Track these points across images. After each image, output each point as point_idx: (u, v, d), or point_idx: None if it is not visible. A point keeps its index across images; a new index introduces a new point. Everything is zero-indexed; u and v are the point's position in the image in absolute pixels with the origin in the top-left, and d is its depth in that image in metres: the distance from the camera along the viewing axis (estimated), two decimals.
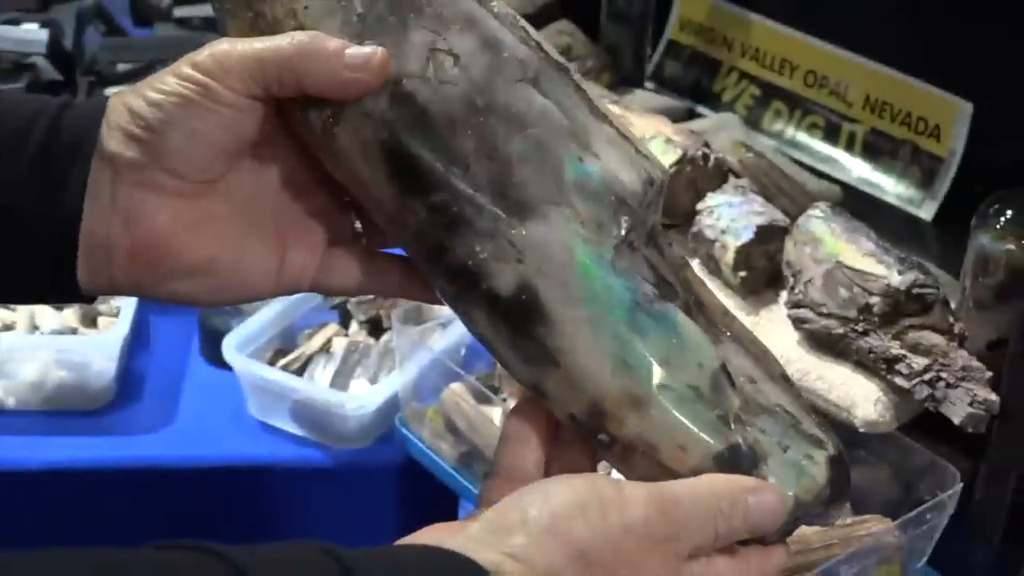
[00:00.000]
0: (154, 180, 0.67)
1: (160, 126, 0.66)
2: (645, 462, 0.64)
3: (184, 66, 0.66)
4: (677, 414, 0.62)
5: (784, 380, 0.70)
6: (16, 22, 1.82)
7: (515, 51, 0.64)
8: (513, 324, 0.63)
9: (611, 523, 0.61)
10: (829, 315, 1.25)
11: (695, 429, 0.62)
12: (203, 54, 0.66)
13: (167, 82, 0.66)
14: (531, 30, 0.67)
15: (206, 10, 1.80)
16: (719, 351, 0.65)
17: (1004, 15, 1.51)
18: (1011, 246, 1.23)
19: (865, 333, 1.23)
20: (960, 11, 1.56)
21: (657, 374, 0.62)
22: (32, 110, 0.69)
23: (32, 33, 1.74)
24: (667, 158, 1.40)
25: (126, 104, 0.67)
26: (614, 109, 1.51)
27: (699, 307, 0.68)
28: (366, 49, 0.63)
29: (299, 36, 0.64)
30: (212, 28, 1.80)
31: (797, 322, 1.28)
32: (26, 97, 0.72)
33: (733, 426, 0.63)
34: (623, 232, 0.63)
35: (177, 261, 0.69)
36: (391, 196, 0.65)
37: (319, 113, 0.65)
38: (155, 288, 0.71)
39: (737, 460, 0.63)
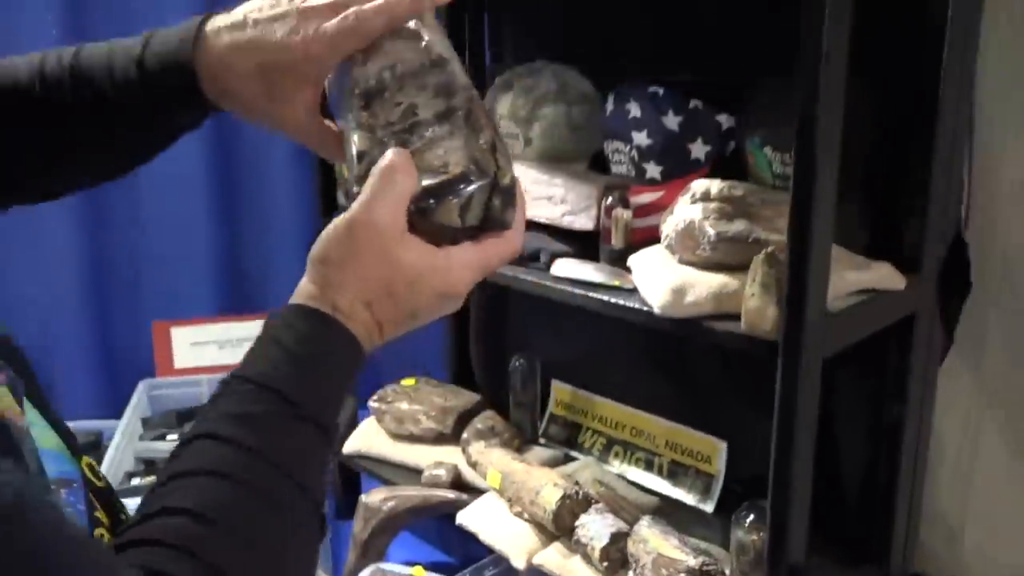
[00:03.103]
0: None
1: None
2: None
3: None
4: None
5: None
6: (163, 437, 1.80)
7: (432, 52, 0.65)
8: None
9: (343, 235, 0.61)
10: None
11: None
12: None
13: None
14: (443, 54, 0.67)
15: None
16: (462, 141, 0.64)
17: (742, 393, 1.54)
18: (755, 537, 1.26)
19: None
20: (717, 389, 1.58)
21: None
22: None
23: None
24: (556, 494, 1.39)
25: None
26: (519, 464, 1.52)
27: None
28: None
29: None
30: None
31: None
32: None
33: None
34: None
35: (234, 71, 0.66)
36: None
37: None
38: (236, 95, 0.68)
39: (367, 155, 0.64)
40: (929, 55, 1.22)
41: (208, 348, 2.08)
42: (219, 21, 0.68)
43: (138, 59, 0.69)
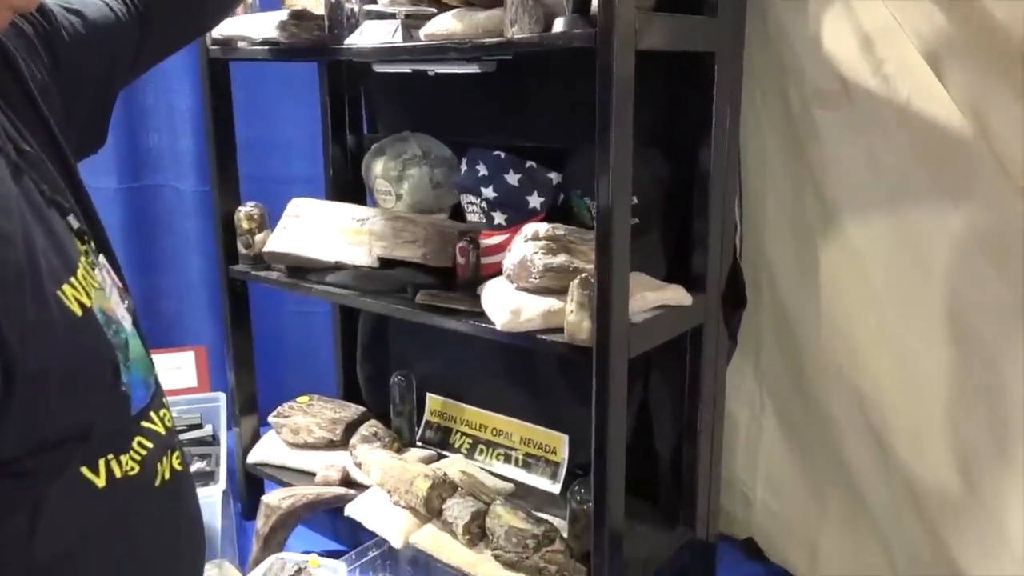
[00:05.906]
0: None
1: None
2: None
3: None
4: None
5: None
6: None
7: None
8: None
9: None
10: (509, 551, 1.33)
11: None
12: None
13: None
14: None
15: None
16: None
17: (579, 395, 1.56)
18: (584, 507, 1.33)
19: (527, 557, 1.30)
20: (561, 394, 1.64)
21: None
22: None
23: None
24: (426, 483, 1.45)
25: None
26: (397, 461, 1.54)
27: None
28: None
29: None
30: None
31: (496, 557, 1.34)
32: None
33: None
34: None
35: None
36: None
37: None
38: None
39: None
40: (703, 127, 1.37)
41: None
42: None
43: None
